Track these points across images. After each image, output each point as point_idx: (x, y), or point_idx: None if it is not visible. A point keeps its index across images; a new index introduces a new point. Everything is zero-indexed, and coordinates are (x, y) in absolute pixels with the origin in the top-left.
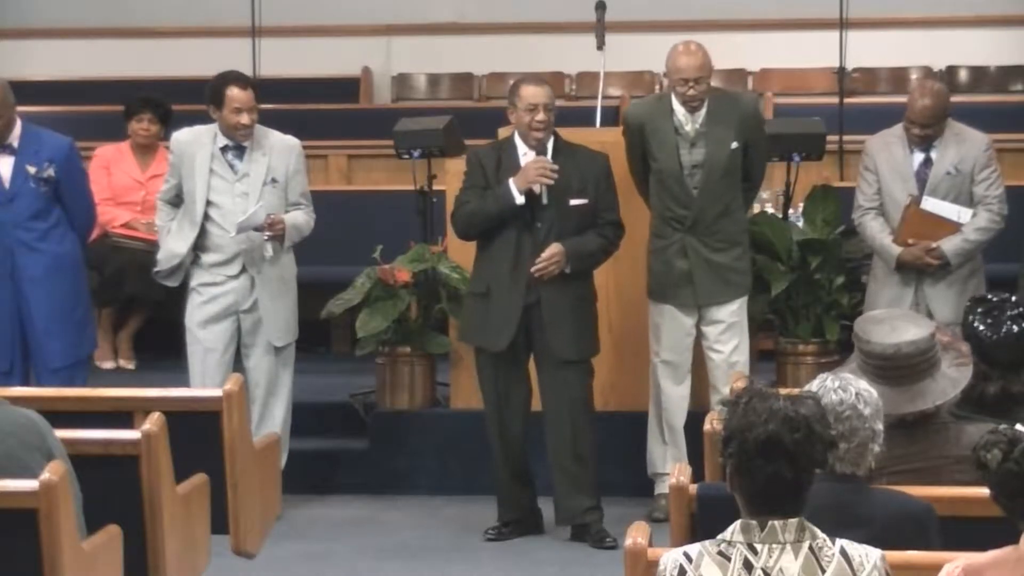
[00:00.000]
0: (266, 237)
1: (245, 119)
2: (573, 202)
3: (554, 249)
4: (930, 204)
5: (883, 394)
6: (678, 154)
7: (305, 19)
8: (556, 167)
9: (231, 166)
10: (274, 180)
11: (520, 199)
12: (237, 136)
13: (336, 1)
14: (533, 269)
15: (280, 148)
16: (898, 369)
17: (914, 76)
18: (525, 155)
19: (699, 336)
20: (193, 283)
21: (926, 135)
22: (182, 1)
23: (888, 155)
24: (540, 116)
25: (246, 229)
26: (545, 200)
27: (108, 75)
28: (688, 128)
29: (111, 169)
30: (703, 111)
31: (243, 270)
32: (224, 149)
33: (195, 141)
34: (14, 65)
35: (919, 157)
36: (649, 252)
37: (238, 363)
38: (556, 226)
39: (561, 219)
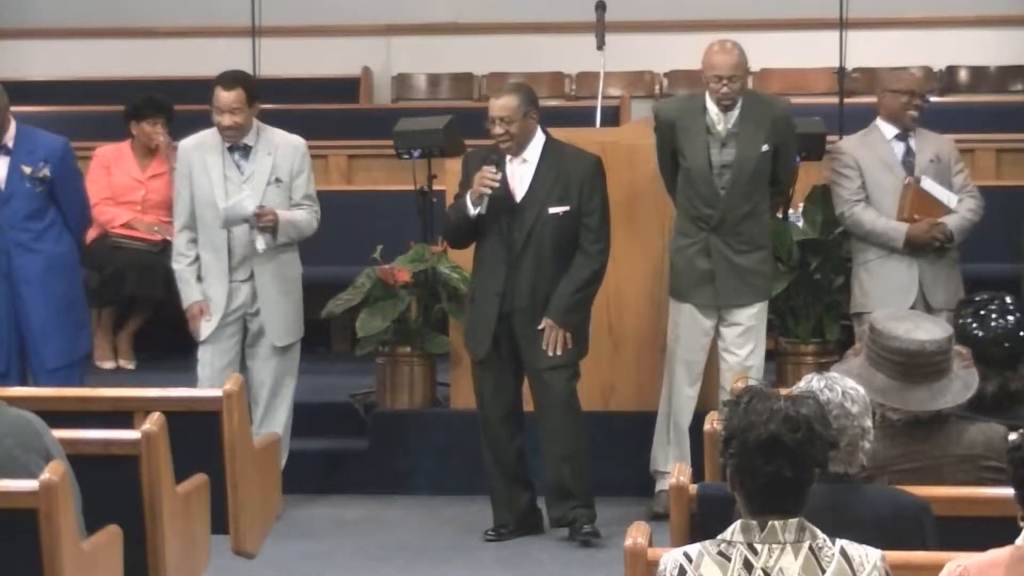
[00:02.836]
0: (258, 226)
1: (226, 120)
2: (552, 210)
3: (548, 329)
4: (928, 184)
5: (898, 390)
6: (708, 153)
7: (305, 19)
8: (498, 175)
9: (238, 166)
10: (278, 180)
11: (473, 211)
12: (224, 138)
13: (336, 1)
14: (550, 354)
15: (285, 148)
16: (920, 367)
17: None
18: (510, 161)
19: (715, 337)
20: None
21: (922, 104)
22: (182, 1)
23: (868, 150)
24: (496, 129)
25: (233, 221)
26: (484, 209)
27: (108, 75)
28: (720, 127)
29: (111, 169)
30: (736, 111)
31: (251, 276)
32: (231, 149)
33: (202, 145)
34: (14, 65)
35: (900, 147)
36: (672, 250)
37: (242, 364)
38: (533, 234)
39: (539, 227)
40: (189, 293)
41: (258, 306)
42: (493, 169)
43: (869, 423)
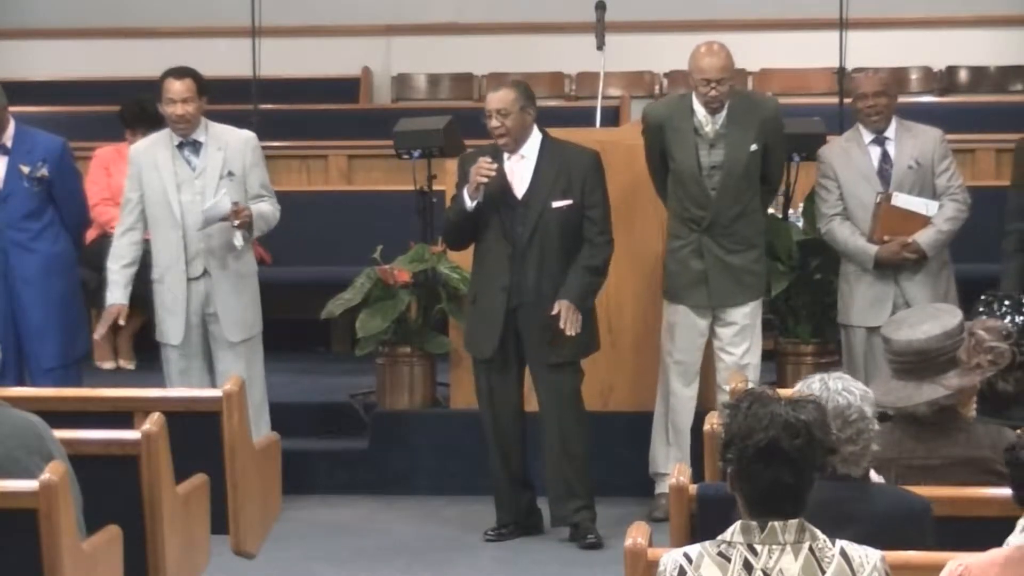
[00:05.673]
0: (235, 224)
1: (178, 109)
2: (555, 204)
3: (564, 309)
4: (900, 199)
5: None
6: (697, 154)
7: (305, 19)
8: (495, 164)
9: (188, 163)
10: (230, 174)
11: (470, 204)
12: (175, 130)
13: (336, 1)
14: (569, 333)
15: (235, 143)
16: (890, 363)
17: (914, 76)
18: (508, 158)
19: (711, 337)
20: (158, 299)
21: (877, 104)
22: (182, 1)
23: (845, 159)
24: (493, 123)
25: (212, 220)
26: (475, 200)
27: (108, 75)
28: (708, 129)
29: (110, 169)
30: (724, 112)
31: (204, 272)
32: (181, 146)
33: (152, 146)
34: (13, 65)
35: (876, 154)
36: (665, 252)
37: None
38: (538, 229)
39: (543, 222)
40: (114, 293)
41: (214, 306)
42: (489, 159)
43: (877, 426)
